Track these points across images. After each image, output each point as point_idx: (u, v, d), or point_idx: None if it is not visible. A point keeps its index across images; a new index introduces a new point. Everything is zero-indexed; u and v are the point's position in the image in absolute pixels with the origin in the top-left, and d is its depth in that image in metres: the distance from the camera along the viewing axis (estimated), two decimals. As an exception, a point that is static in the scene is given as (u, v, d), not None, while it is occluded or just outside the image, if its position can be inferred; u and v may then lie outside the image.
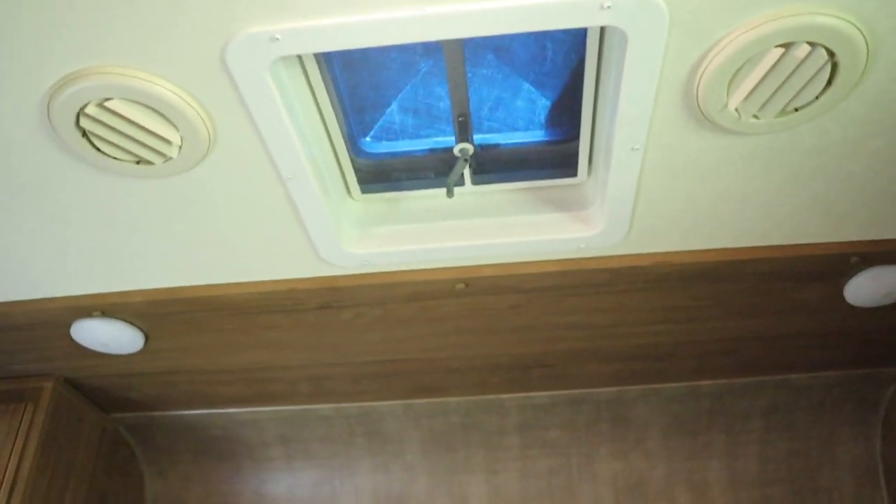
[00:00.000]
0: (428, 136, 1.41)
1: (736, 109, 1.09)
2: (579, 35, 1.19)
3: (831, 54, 1.01)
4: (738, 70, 1.04)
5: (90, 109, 1.06)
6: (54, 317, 1.62)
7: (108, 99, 1.05)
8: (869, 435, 2.19)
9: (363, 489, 2.30)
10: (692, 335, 1.79)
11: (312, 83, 1.21)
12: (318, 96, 1.24)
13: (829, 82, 1.05)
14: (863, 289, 1.60)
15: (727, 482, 2.22)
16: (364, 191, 1.45)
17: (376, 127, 1.41)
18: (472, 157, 1.37)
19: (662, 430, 2.21)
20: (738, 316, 1.70)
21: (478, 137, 1.39)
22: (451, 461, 2.27)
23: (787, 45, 1.00)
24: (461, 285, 1.53)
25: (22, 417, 1.86)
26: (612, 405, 2.14)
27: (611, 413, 2.16)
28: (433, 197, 1.46)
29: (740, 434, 2.21)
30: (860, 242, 1.47)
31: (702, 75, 1.05)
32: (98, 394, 2.03)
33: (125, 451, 2.24)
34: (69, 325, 1.66)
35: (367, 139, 1.41)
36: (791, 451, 2.21)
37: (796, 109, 1.10)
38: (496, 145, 1.41)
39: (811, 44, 0.99)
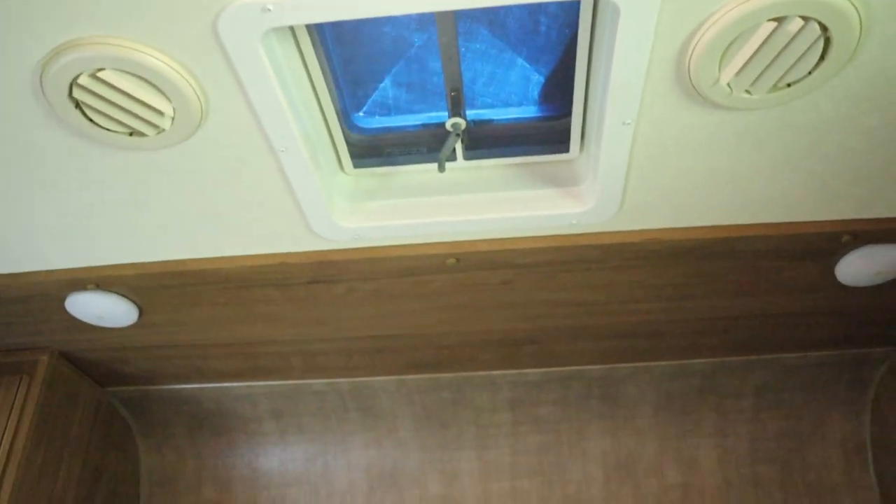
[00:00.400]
0: (421, 111, 1.41)
1: (728, 84, 1.09)
2: (573, 9, 1.19)
3: (824, 29, 1.00)
4: (731, 44, 1.03)
5: (83, 80, 1.05)
6: (49, 289, 1.63)
7: (100, 69, 1.05)
8: (858, 415, 2.20)
9: (356, 464, 2.32)
10: (683, 313, 1.79)
11: (305, 56, 1.21)
12: (310, 70, 1.24)
13: (822, 57, 1.05)
14: (854, 268, 1.60)
15: (717, 460, 2.24)
16: (356, 165, 1.45)
17: (369, 102, 1.41)
18: (464, 132, 1.37)
19: (653, 407, 2.22)
20: (729, 294, 1.71)
21: (470, 113, 1.39)
22: (443, 437, 2.28)
23: (779, 19, 1.00)
24: (452, 260, 1.53)
25: (17, 391, 1.87)
26: (603, 382, 2.15)
27: (602, 390, 2.18)
28: (425, 172, 1.46)
29: (731, 413, 2.22)
30: (852, 221, 1.47)
31: (694, 49, 1.04)
32: (93, 367, 2.04)
33: (120, 424, 2.26)
34: (64, 298, 1.67)
35: (360, 114, 1.41)
36: (781, 430, 2.23)
37: (789, 85, 1.10)
38: (489, 121, 1.41)
39: (804, 18, 0.99)
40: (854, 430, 2.21)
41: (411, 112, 1.41)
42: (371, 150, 1.44)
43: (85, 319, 1.74)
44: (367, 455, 2.32)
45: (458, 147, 1.42)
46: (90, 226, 1.42)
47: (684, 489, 2.23)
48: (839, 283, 1.66)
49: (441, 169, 1.35)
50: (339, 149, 1.41)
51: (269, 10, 0.98)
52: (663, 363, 2.08)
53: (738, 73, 1.07)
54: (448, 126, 1.36)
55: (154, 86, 1.08)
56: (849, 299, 1.75)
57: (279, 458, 2.35)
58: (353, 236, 1.44)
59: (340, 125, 1.37)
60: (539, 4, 1.19)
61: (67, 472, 1.97)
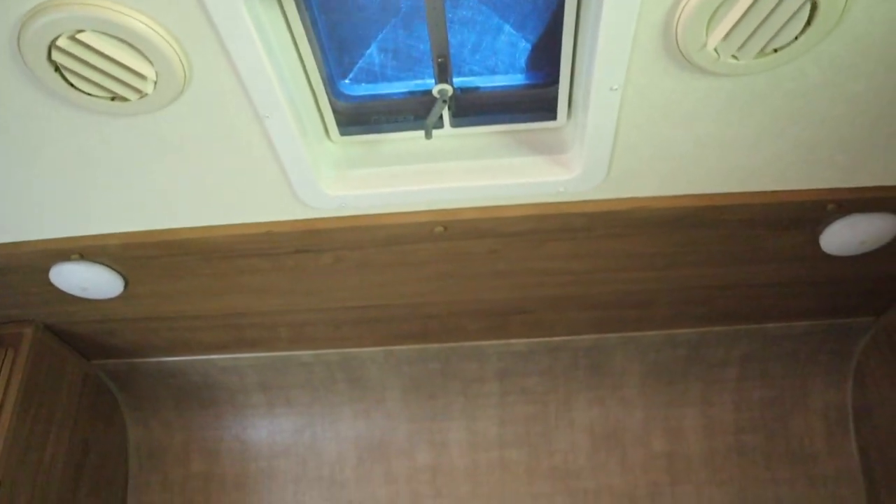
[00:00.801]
0: (408, 78, 1.40)
1: (715, 49, 1.09)
2: (560, -27, 1.18)
3: (811, -7, 1.01)
4: (718, 8, 1.03)
5: (62, 42, 1.04)
6: (32, 260, 1.61)
7: (79, 31, 1.03)
8: (841, 384, 2.23)
9: (344, 435, 2.33)
10: (669, 282, 1.80)
11: (290, 22, 1.19)
12: (296, 36, 1.22)
13: (809, 22, 1.05)
14: (838, 237, 1.61)
15: (702, 429, 2.27)
16: (343, 133, 1.44)
17: (355, 69, 1.39)
18: (451, 99, 1.36)
19: (640, 377, 2.24)
20: (714, 263, 1.72)
21: (458, 80, 1.38)
22: (431, 408, 2.30)
23: (766, -17, 1.00)
24: (440, 228, 1.53)
25: (2, 363, 1.86)
26: (591, 353, 2.17)
27: (589, 361, 2.19)
28: (412, 139, 1.45)
29: (716, 382, 2.25)
30: (837, 190, 1.48)
31: (681, 13, 1.04)
32: (79, 340, 2.03)
33: (107, 397, 2.25)
34: (48, 270, 1.65)
35: (346, 81, 1.40)
36: (765, 399, 2.26)
37: (775, 50, 1.10)
38: (476, 88, 1.40)
39: (791, -19, 0.99)
40: (836, 400, 2.24)
41: (398, 79, 1.40)
42: (357, 117, 1.43)
43: (70, 291, 1.72)
44: (356, 426, 2.33)
45: (446, 114, 1.41)
46: (73, 194, 1.40)
47: (670, 458, 2.26)
48: (824, 252, 1.67)
49: (428, 136, 1.34)
50: (325, 116, 1.40)
51: None
52: (650, 333, 2.10)
53: (725, 38, 1.07)
54: (435, 93, 1.35)
55: (135, 48, 1.06)
56: (833, 269, 1.76)
57: (267, 429, 2.35)
58: (339, 204, 1.43)
59: (326, 93, 1.36)
60: (526, -32, 1.18)
61: (55, 445, 1.97)
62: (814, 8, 1.03)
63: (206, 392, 2.29)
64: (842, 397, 2.24)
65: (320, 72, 1.31)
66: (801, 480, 2.21)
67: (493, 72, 1.40)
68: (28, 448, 1.85)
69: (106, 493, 2.21)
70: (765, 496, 2.21)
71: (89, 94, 1.13)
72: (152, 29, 1.04)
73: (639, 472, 2.26)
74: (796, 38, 1.07)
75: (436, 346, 2.11)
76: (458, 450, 2.30)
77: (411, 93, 1.40)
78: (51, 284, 1.70)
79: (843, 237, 1.61)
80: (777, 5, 1.01)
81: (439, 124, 1.43)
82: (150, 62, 1.08)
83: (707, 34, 1.07)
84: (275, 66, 1.15)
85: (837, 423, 2.24)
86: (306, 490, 2.31)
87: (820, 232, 1.61)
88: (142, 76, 1.10)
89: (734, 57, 1.11)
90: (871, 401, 2.14)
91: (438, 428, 2.31)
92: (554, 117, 1.41)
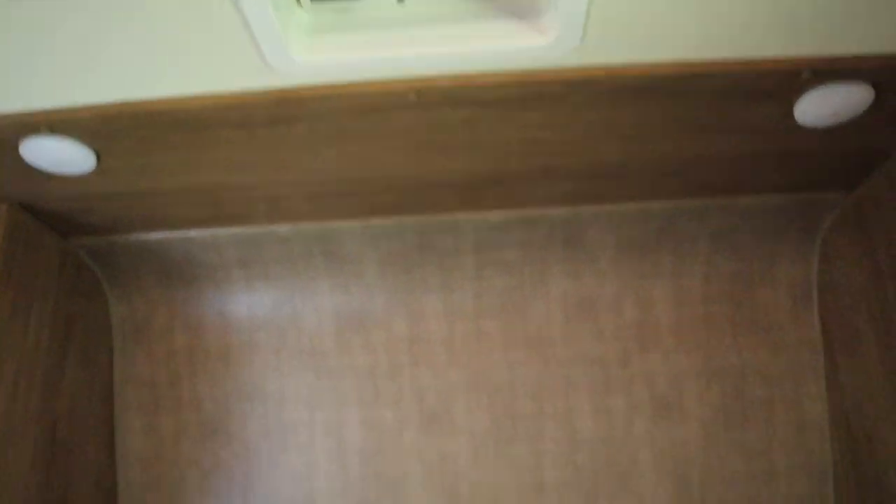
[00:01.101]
0: (379, -60, 1.36)
1: None
2: None
3: None
4: None
5: None
6: (0, 135, 1.59)
7: None
8: (807, 259, 2.30)
9: (323, 308, 2.38)
10: (643, 154, 1.81)
11: None
12: None
13: None
14: (813, 107, 1.62)
15: (673, 300, 2.34)
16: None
17: (325, -68, 1.35)
18: (424, -39, 1.33)
19: (614, 250, 2.29)
20: (689, 134, 1.73)
21: (431, -57, 1.34)
22: (408, 280, 2.34)
23: None
24: (413, 96, 1.52)
25: (-23, 243, 1.86)
26: (566, 226, 2.20)
27: (564, 234, 2.23)
28: (385, 6, 1.42)
29: (687, 256, 2.30)
30: (813, 59, 1.47)
31: None
32: (56, 218, 2.02)
33: (88, 275, 2.27)
34: (17, 145, 1.63)
35: (316, -55, 1.35)
36: (734, 272, 2.32)
37: None
38: (450, -48, 1.37)
39: None
40: (802, 274, 2.31)
41: (369, -57, 1.36)
42: (328, -17, 1.39)
43: (42, 167, 1.71)
44: (334, 299, 2.38)
45: (419, -22, 1.38)
46: (36, 63, 1.37)
47: (640, 326, 2.34)
48: (798, 123, 1.68)
49: (400, 0, 1.31)
50: (294, -18, 1.36)
51: None
52: (624, 206, 2.12)
53: None
54: (407, -46, 1.31)
55: None
56: (807, 141, 1.78)
57: (247, 304, 2.40)
58: (311, 71, 1.41)
59: (296, -42, 1.32)
60: None
61: (38, 321, 1.99)
62: None
63: (187, 268, 2.31)
64: (807, 271, 2.31)
65: (288, -66, 1.27)
66: (764, 348, 2.31)
67: (467, -67, 1.36)
68: (10, 325, 1.87)
69: (93, 367, 2.27)
70: (728, 362, 2.31)
71: (45, -49, 1.09)
72: None
73: (610, 340, 2.34)
74: None
75: (412, 218, 2.13)
76: (435, 321, 2.37)
77: (384, -42, 1.36)
78: (22, 160, 1.68)
79: (817, 107, 1.61)
80: None
81: (412, -12, 1.39)
82: (108, -86, 1.04)
83: None
84: None
85: (802, 296, 2.32)
86: (287, 360, 2.38)
87: (794, 102, 1.61)
88: (99, -70, 1.06)
89: None
90: (835, 276, 2.20)
91: (415, 300, 2.36)
92: (528, -19, 1.38)
